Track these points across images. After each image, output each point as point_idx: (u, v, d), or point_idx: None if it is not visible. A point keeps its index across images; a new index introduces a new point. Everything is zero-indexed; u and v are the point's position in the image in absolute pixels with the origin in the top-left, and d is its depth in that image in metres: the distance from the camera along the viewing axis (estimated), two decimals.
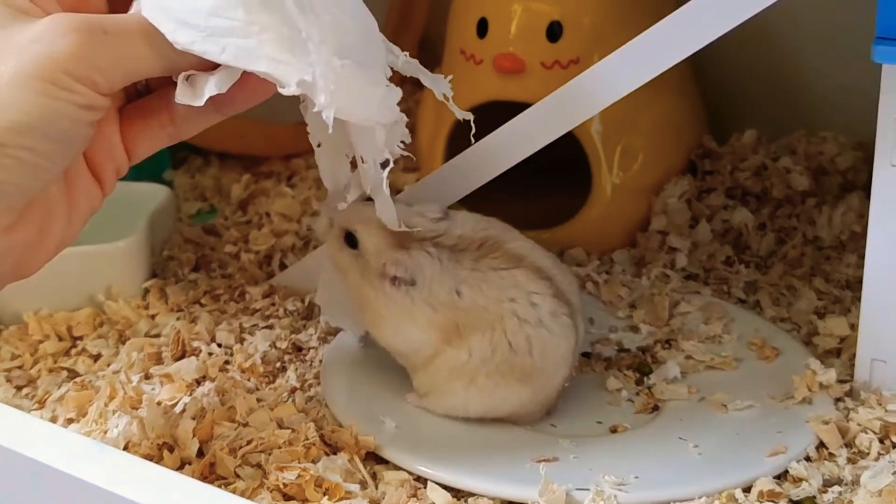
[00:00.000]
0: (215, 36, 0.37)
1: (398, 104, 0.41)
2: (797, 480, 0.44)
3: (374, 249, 0.47)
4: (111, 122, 0.41)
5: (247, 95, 0.41)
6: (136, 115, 0.42)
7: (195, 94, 0.39)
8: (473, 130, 0.46)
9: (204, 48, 0.38)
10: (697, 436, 0.47)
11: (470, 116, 0.45)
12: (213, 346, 0.55)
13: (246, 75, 0.39)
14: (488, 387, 0.47)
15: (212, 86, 0.38)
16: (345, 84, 0.38)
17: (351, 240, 0.48)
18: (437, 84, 0.44)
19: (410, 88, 0.80)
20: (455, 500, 0.44)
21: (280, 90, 0.38)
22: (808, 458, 0.45)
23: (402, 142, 0.43)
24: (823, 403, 0.48)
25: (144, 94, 0.43)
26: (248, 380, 0.52)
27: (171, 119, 0.42)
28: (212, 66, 0.39)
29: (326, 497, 0.42)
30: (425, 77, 0.44)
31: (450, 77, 0.44)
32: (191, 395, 0.50)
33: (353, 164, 0.46)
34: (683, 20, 0.46)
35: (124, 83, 0.39)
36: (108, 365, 0.55)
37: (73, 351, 0.57)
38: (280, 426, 0.47)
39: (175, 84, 0.39)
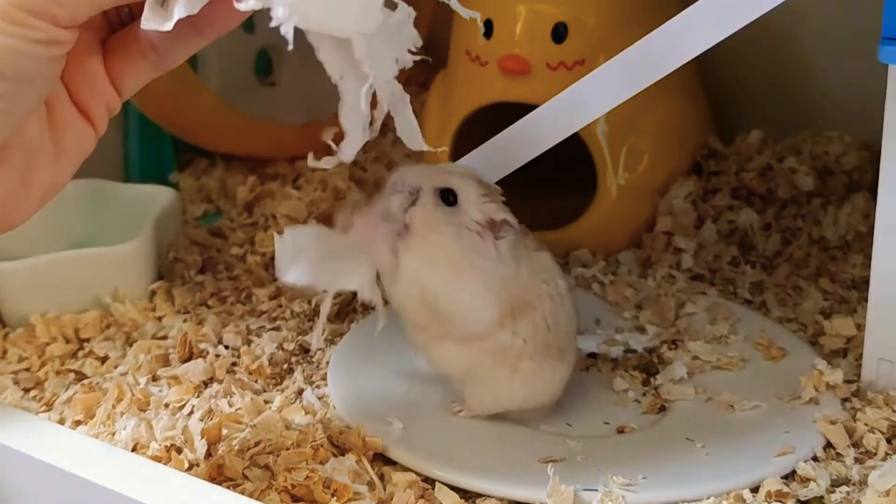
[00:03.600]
0: None
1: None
2: (805, 480, 0.44)
3: (475, 199, 0.47)
4: (93, 56, 0.39)
5: (224, 15, 0.38)
6: (118, 47, 0.39)
7: (165, 18, 0.36)
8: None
9: None
10: (705, 436, 0.47)
11: (476, 15, 0.42)
12: (220, 347, 0.55)
13: None
14: (532, 370, 0.48)
15: (181, 7, 0.35)
16: None
17: (447, 197, 0.47)
18: None
19: (416, 90, 0.80)
20: (463, 500, 0.44)
21: (237, 5, 0.34)
22: (815, 459, 0.45)
23: (415, 46, 0.39)
24: (830, 403, 0.48)
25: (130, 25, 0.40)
26: (256, 381, 0.52)
27: (152, 47, 0.39)
28: None
29: (335, 498, 0.42)
30: None
31: None
32: (198, 396, 0.51)
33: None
34: (690, 21, 0.46)
35: (88, 14, 0.36)
36: (116, 367, 0.55)
37: (81, 353, 0.57)
38: (288, 427, 0.47)
39: None
